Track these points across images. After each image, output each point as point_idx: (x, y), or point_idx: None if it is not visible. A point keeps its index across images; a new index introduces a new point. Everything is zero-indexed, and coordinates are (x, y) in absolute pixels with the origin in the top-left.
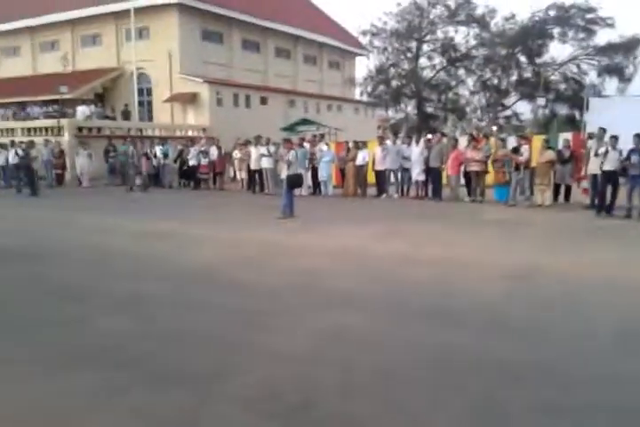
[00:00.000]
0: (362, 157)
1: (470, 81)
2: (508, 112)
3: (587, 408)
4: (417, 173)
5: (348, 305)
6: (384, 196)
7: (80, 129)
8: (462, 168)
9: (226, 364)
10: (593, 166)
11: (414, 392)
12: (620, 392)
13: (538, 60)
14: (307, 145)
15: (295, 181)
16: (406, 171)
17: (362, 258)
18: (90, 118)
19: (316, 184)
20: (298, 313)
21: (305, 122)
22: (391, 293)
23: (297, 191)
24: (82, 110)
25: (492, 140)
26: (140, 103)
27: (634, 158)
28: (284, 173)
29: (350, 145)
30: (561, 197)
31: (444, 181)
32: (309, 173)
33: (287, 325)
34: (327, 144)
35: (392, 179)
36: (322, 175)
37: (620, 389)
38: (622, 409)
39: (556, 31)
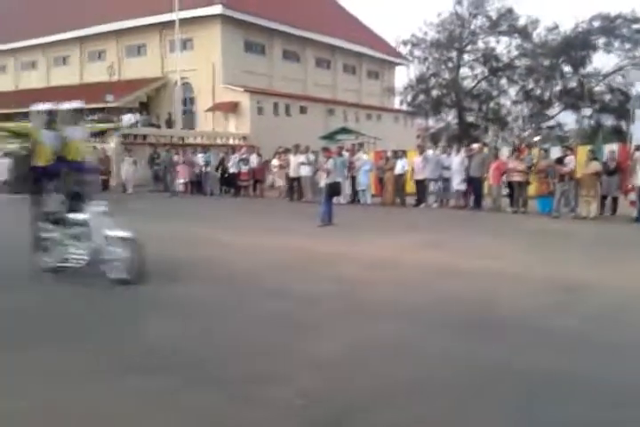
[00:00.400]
0: (401, 166)
1: (512, 91)
2: (552, 122)
3: (634, 422)
4: (457, 183)
5: (385, 315)
6: (423, 205)
7: (125, 136)
8: (504, 178)
9: (265, 370)
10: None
11: (453, 404)
12: None
13: (582, 71)
14: (346, 154)
15: (334, 190)
16: (446, 180)
17: (400, 267)
18: (135, 126)
19: (355, 193)
20: (335, 321)
21: (344, 131)
22: (430, 303)
23: (335, 200)
24: (127, 118)
25: (535, 150)
26: (184, 112)
27: None
28: (322, 182)
29: (389, 154)
30: (607, 210)
31: (486, 191)
32: (348, 182)
33: (325, 332)
34: (366, 153)
35: (431, 188)
36: (361, 184)
37: None
38: None
39: (600, 41)
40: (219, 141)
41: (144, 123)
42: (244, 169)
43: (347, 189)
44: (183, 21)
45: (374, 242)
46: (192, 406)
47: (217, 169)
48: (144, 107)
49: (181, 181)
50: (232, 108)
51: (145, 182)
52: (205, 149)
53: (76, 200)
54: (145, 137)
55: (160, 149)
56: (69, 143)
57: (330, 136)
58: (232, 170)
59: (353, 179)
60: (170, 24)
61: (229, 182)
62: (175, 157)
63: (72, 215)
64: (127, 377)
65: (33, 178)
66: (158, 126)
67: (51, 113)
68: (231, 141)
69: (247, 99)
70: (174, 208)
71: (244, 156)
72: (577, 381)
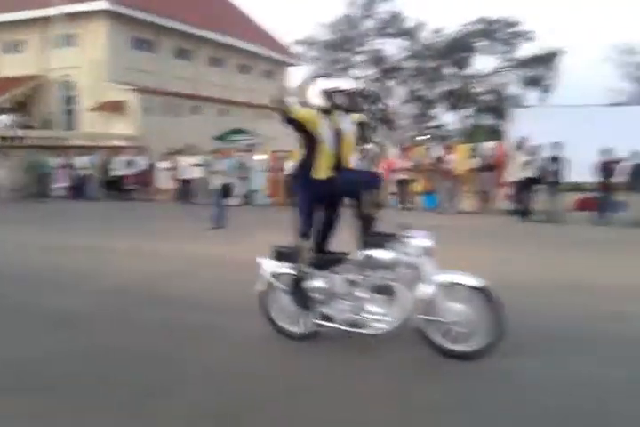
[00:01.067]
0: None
1: (400, 92)
2: (436, 122)
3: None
4: None
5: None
6: None
7: (2, 139)
8: (392, 177)
9: (159, 381)
10: (515, 173)
11: (340, 403)
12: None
13: (464, 72)
14: (239, 154)
15: (226, 191)
16: None
17: None
18: (10, 128)
19: (248, 194)
20: (228, 326)
21: (238, 131)
22: None
23: (228, 201)
24: (1, 120)
25: (421, 149)
26: (67, 112)
27: (552, 166)
28: (214, 183)
29: (283, 154)
30: (486, 204)
31: None
32: (242, 183)
33: (219, 338)
34: (260, 154)
35: None
36: (254, 185)
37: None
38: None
39: (481, 44)
40: (104, 143)
41: (19, 125)
42: (131, 172)
43: (239, 190)
44: (67, 16)
45: (267, 243)
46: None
47: (101, 172)
48: (22, 107)
49: (61, 185)
50: (118, 107)
51: (22, 187)
52: (90, 150)
53: (365, 229)
54: (22, 139)
55: (40, 152)
56: (345, 141)
57: (223, 136)
58: (117, 173)
59: (246, 180)
60: (52, 19)
61: (114, 186)
62: (56, 161)
63: (374, 253)
64: None
65: (308, 198)
66: (36, 128)
67: (333, 95)
68: (117, 143)
69: (135, 98)
70: (52, 214)
71: (130, 158)
72: None
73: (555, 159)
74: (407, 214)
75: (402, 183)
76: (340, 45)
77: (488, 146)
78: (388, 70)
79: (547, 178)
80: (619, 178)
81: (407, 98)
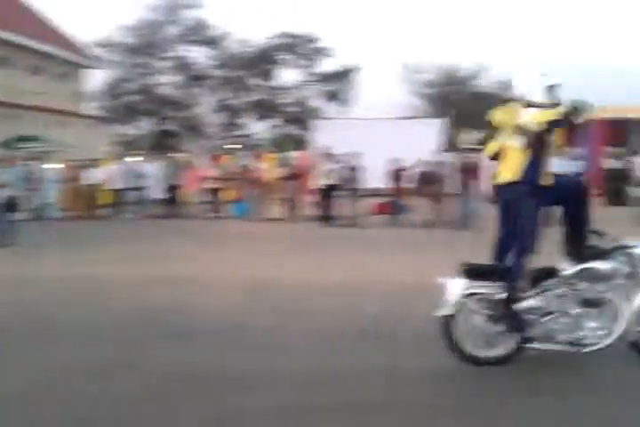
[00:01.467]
0: (94, 176)
1: (209, 100)
2: (245, 131)
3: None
4: (155, 192)
5: (77, 337)
6: (120, 216)
7: None
8: (202, 185)
9: None
10: (319, 181)
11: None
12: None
13: (271, 84)
14: (27, 164)
15: (11, 205)
16: (144, 189)
17: (94, 285)
18: None
19: (40, 207)
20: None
21: (27, 138)
22: (128, 317)
23: (14, 216)
24: None
25: (230, 158)
26: None
27: (350, 174)
28: None
29: (81, 163)
30: (293, 210)
31: (185, 198)
32: (32, 195)
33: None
34: (53, 162)
35: (129, 198)
36: (46, 197)
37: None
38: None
39: (285, 57)
40: None
41: None
42: None
43: (29, 203)
44: None
45: (65, 260)
46: None
47: None
48: None
49: None
50: None
51: None
52: None
53: (576, 239)
54: None
55: None
56: None
57: (9, 143)
58: None
59: (38, 191)
60: None
61: None
62: None
63: (595, 265)
64: None
65: (537, 208)
66: None
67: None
68: None
69: None
70: None
71: None
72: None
73: (353, 168)
74: (218, 223)
75: (213, 192)
76: (141, 49)
77: (294, 155)
78: (195, 78)
79: (346, 185)
80: (406, 184)
81: (216, 107)
